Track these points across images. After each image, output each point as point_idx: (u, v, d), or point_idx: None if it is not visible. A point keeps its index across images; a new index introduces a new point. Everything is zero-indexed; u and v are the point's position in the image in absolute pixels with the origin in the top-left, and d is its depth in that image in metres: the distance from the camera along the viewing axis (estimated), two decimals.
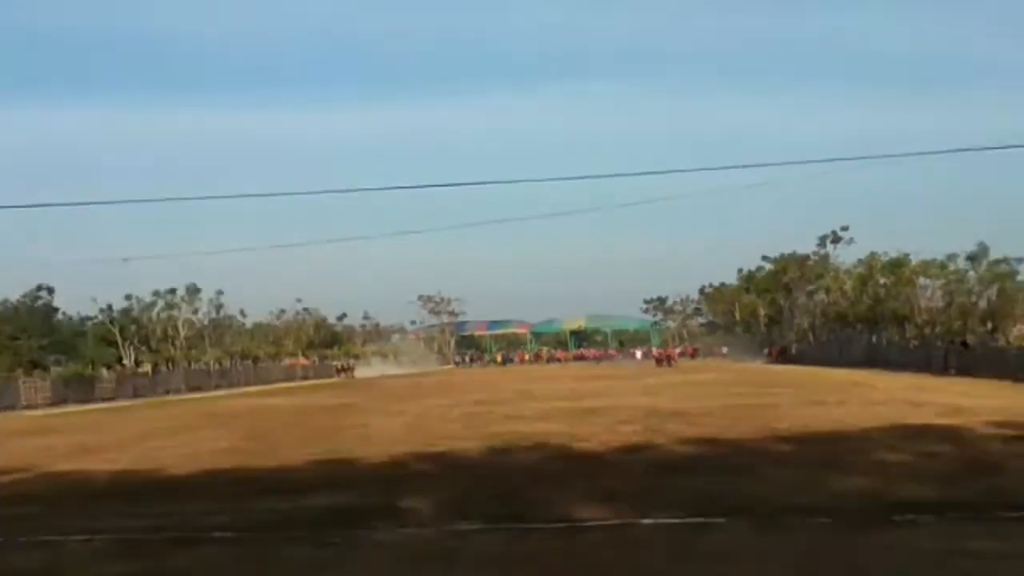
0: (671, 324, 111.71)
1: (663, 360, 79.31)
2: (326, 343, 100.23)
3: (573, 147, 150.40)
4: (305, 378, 79.96)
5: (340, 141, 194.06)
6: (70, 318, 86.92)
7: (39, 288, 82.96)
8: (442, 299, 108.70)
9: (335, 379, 77.76)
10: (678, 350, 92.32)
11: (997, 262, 65.47)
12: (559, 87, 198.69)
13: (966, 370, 44.50)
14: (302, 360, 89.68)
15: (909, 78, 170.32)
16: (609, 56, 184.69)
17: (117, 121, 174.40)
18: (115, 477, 16.43)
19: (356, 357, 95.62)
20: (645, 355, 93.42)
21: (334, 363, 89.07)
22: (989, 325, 61.40)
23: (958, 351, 50.46)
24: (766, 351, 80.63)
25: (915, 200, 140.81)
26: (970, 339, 55.40)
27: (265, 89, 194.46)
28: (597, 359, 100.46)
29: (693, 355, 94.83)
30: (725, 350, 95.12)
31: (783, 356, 74.57)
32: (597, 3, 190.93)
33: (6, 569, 9.28)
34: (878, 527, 9.61)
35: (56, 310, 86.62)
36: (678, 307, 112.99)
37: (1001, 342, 53.31)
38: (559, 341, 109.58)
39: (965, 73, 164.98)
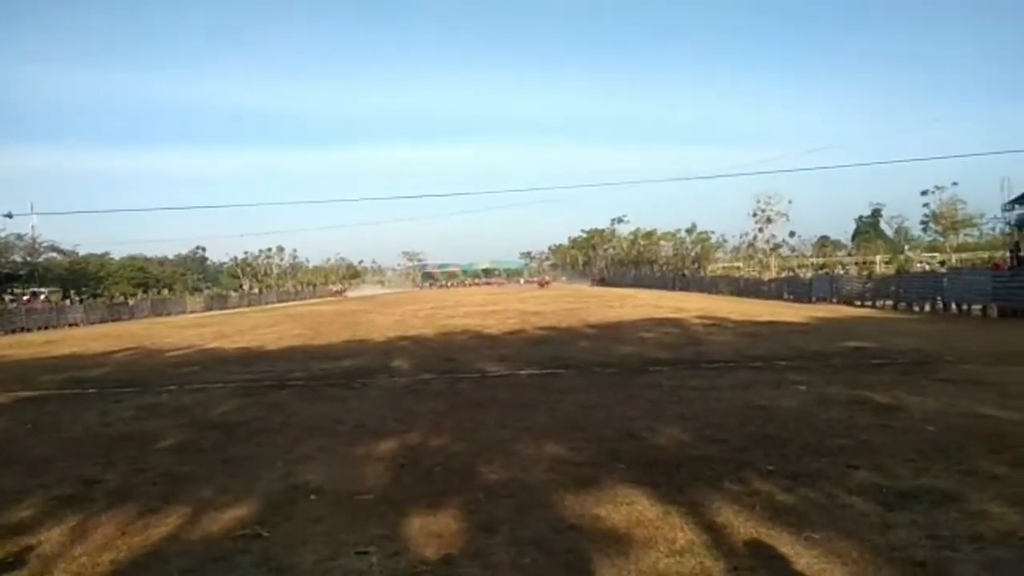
0: (534, 265, 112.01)
1: (543, 284, 75.34)
2: (352, 276, 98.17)
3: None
4: (338, 295, 76.28)
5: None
6: (215, 263, 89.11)
7: (198, 248, 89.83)
8: (413, 253, 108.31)
9: (338, 298, 67.17)
10: (547, 279, 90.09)
11: (700, 233, 67.98)
12: None
13: (684, 288, 45.83)
14: (339, 286, 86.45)
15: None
16: None
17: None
18: (237, 351, 15.70)
19: (354, 283, 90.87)
20: (527, 282, 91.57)
21: (334, 287, 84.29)
22: (696, 265, 63.35)
23: (680, 278, 51.92)
24: (591, 279, 78.85)
25: (654, 203, 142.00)
26: (686, 272, 57.01)
27: None
28: (497, 284, 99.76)
29: (548, 283, 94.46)
30: (564, 279, 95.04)
31: (600, 282, 73.39)
32: None
33: (179, 402, 8.78)
34: (641, 373, 9.73)
35: (207, 259, 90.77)
36: (537, 256, 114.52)
37: (703, 274, 54.95)
38: (475, 274, 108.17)
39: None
